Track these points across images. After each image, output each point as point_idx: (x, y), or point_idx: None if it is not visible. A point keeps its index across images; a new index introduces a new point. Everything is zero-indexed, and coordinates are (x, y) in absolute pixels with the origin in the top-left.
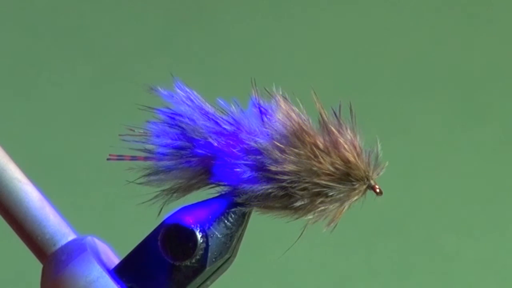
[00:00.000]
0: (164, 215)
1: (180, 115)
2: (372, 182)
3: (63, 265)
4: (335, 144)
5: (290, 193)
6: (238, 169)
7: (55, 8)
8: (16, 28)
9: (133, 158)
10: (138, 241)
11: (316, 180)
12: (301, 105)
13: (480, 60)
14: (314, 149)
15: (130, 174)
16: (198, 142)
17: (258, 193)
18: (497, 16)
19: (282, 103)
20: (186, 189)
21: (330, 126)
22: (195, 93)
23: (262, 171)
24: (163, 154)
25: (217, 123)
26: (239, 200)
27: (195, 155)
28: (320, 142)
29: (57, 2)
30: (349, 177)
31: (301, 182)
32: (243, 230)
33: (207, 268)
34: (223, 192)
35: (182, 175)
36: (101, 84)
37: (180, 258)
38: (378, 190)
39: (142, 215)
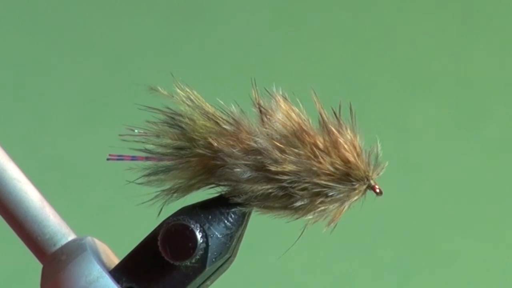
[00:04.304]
0: (164, 215)
1: (180, 115)
2: (372, 182)
3: (63, 265)
4: (335, 144)
5: (290, 193)
6: (238, 169)
7: (55, 8)
8: (16, 28)
9: (133, 158)
10: (138, 241)
11: (316, 180)
12: (301, 105)
13: (479, 60)
14: (314, 149)
15: (130, 174)
16: (198, 142)
17: (258, 193)
18: (497, 16)
19: (282, 103)
20: (186, 189)
21: (330, 126)
22: (195, 93)
23: (262, 171)
24: (163, 154)
25: (217, 123)
26: (239, 200)
27: (195, 155)
28: (320, 142)
29: (57, 3)
30: (349, 177)
31: (301, 182)
32: (243, 230)
33: (207, 268)
34: (223, 192)
35: (182, 175)
36: (101, 84)
37: (180, 258)
38: (378, 190)
39: (142, 215)
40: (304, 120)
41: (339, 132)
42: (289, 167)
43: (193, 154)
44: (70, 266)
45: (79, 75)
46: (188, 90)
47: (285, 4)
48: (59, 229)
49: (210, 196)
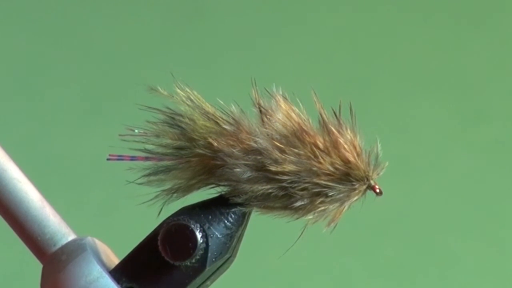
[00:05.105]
0: (164, 215)
1: (180, 115)
2: (372, 182)
3: (63, 265)
4: (335, 144)
5: (290, 193)
6: (238, 169)
7: (55, 8)
8: (16, 28)
9: (133, 158)
10: (138, 241)
11: (316, 180)
12: (301, 105)
13: (479, 60)
14: (314, 149)
15: (130, 174)
16: (198, 142)
17: (258, 193)
18: (496, 16)
19: (282, 103)
20: (186, 189)
21: (330, 126)
22: (195, 93)
23: (262, 171)
24: (163, 154)
25: (217, 123)
26: (239, 200)
27: (195, 155)
28: (320, 142)
29: (57, 2)
30: (349, 177)
31: (301, 182)
32: (243, 230)
33: (207, 268)
34: (223, 192)
35: (182, 175)
36: (101, 84)
37: (180, 258)
38: (378, 190)
39: (142, 215)
40: (304, 120)
41: (339, 132)
42: (289, 167)
43: (193, 154)
44: (70, 266)
45: (79, 75)
46: (188, 90)
47: (285, 4)
48: (59, 229)
49: (210, 196)
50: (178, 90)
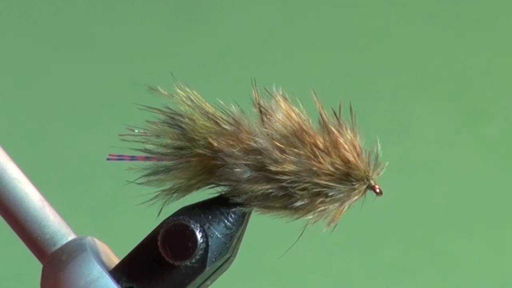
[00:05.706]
0: (164, 215)
1: (180, 115)
2: (372, 182)
3: (63, 265)
4: (335, 144)
5: (290, 193)
6: (238, 169)
7: (55, 8)
8: (16, 28)
9: (133, 158)
10: (138, 241)
11: (316, 180)
12: (301, 105)
13: (479, 60)
14: (314, 149)
15: (130, 174)
16: (198, 142)
17: (258, 193)
18: (497, 16)
19: (282, 103)
20: (186, 189)
21: (330, 126)
22: (195, 92)
23: (262, 171)
24: (163, 154)
25: (217, 123)
26: (239, 200)
27: (195, 155)
28: (320, 142)
29: (57, 3)
30: (349, 177)
31: (301, 182)
32: (243, 230)
33: (207, 268)
34: (223, 192)
35: (182, 175)
36: (101, 84)
37: (180, 258)
38: (378, 190)
39: (142, 215)
40: (304, 120)
41: (339, 132)
42: (289, 167)
43: (193, 154)
44: (70, 266)
45: (79, 75)
46: (188, 90)
47: (285, 4)
48: (59, 229)
49: (210, 196)
50: (178, 90)
